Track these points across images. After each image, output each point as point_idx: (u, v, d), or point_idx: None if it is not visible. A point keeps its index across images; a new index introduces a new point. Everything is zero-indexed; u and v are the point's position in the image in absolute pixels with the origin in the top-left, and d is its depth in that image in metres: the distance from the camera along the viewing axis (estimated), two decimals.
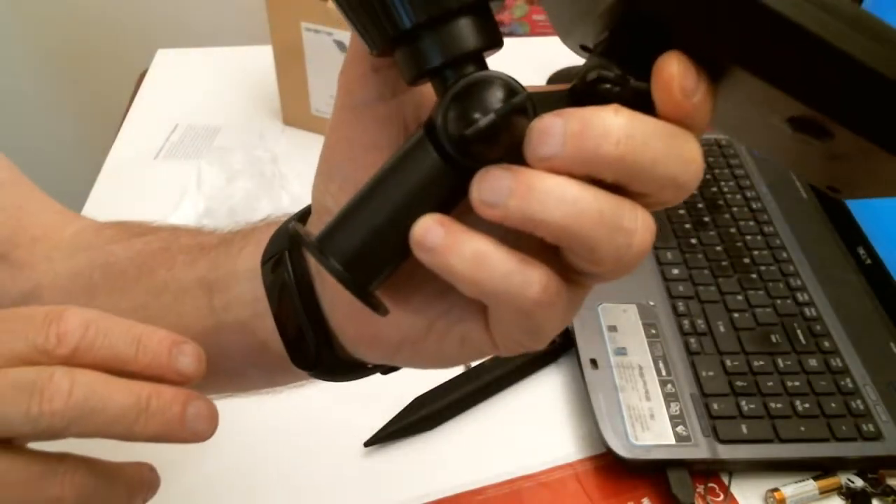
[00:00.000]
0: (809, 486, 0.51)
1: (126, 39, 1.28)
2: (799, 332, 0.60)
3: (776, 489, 0.51)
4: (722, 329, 0.59)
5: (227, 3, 1.29)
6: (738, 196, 0.73)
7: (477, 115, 0.21)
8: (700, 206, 0.71)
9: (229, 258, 0.33)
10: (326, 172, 0.28)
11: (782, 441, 0.52)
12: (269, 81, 0.83)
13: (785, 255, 0.66)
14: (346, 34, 0.72)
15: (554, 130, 0.20)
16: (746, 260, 0.66)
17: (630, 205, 0.21)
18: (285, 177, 0.75)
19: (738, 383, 0.55)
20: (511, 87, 0.21)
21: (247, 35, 1.01)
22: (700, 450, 0.51)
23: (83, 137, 1.39)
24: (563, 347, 0.60)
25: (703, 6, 0.20)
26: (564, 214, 0.20)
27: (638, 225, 0.21)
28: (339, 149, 0.27)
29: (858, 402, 0.55)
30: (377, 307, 0.24)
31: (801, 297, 0.63)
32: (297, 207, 0.31)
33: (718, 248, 0.67)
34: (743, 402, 0.54)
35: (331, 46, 0.75)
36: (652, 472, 0.52)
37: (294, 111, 0.83)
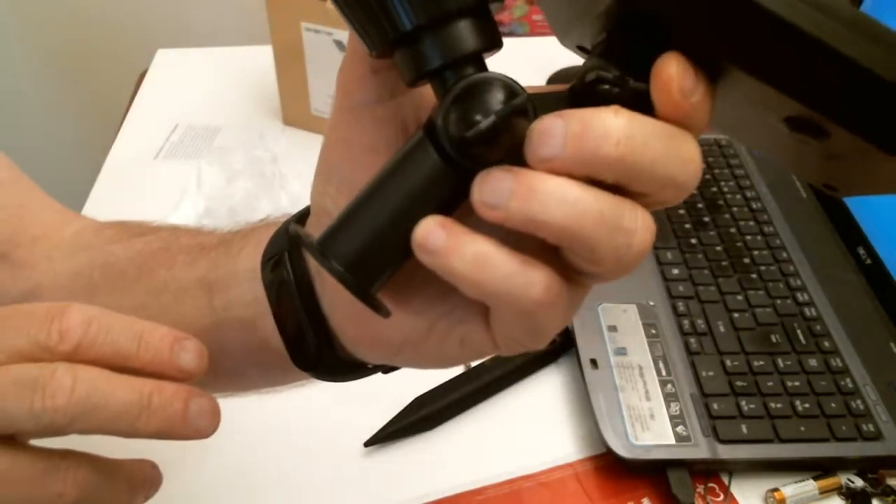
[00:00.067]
0: (809, 486, 0.51)
1: (126, 39, 1.28)
2: (799, 332, 0.60)
3: (776, 489, 0.51)
4: (722, 329, 0.59)
5: (227, 3, 1.29)
6: (738, 196, 0.73)
7: (478, 117, 0.21)
8: (700, 206, 0.71)
9: (229, 258, 0.33)
10: (325, 174, 0.28)
11: (782, 441, 0.52)
12: (269, 81, 0.83)
13: (785, 255, 0.66)
14: (346, 34, 0.72)
15: (554, 132, 0.20)
16: (746, 260, 0.66)
17: (630, 205, 0.21)
18: (285, 177, 0.75)
19: (738, 383, 0.55)
20: (511, 89, 0.21)
21: (247, 35, 1.01)
22: (700, 450, 0.51)
23: (83, 137, 1.39)
24: (563, 347, 0.60)
25: (701, 7, 0.20)
26: (565, 215, 0.20)
27: (638, 225, 0.21)
28: (338, 150, 0.27)
29: (858, 402, 0.55)
30: (379, 309, 0.24)
31: (801, 297, 0.63)
32: (296, 207, 0.31)
33: (718, 248, 0.67)
34: (743, 402, 0.54)
35: (331, 46, 0.75)
36: (652, 472, 0.52)
37: (294, 111, 0.83)
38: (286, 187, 0.74)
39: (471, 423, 0.56)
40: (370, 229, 0.23)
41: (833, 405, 0.54)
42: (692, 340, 0.59)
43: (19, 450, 0.25)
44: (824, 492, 0.51)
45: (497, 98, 0.21)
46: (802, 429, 0.53)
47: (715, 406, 0.54)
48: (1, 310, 0.26)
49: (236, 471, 0.52)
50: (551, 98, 0.22)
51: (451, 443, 0.55)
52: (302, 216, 0.31)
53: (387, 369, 0.33)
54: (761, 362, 0.57)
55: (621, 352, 0.57)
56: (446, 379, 0.56)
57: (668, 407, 0.54)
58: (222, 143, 0.82)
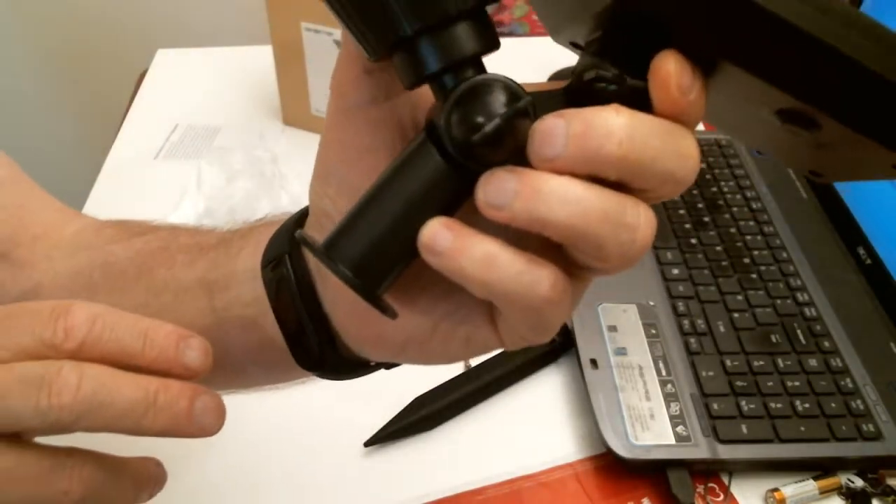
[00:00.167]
0: (809, 486, 0.51)
1: (126, 39, 1.28)
2: (799, 332, 0.60)
3: (776, 489, 0.51)
4: (722, 329, 0.60)
5: (227, 3, 1.29)
6: (738, 196, 0.73)
7: (481, 120, 0.21)
8: (700, 206, 0.71)
9: (228, 259, 0.33)
10: (323, 175, 0.28)
11: (782, 441, 0.52)
12: (269, 81, 0.83)
13: (785, 255, 0.67)
14: None
15: (557, 132, 0.20)
16: (746, 260, 0.66)
17: (632, 201, 0.21)
18: (285, 177, 0.75)
19: (738, 383, 0.55)
20: (512, 90, 0.21)
21: (247, 35, 1.02)
22: (700, 450, 0.51)
23: (83, 137, 1.39)
24: (563, 347, 0.60)
25: (702, 8, 0.20)
26: (570, 214, 0.21)
27: (640, 220, 0.21)
28: (334, 151, 0.27)
29: (858, 402, 0.55)
30: (386, 310, 0.24)
31: (801, 297, 0.63)
32: (296, 207, 0.31)
33: (718, 248, 0.67)
34: (743, 402, 0.54)
35: (331, 46, 0.75)
36: (652, 472, 0.52)
37: (294, 111, 0.83)
38: (286, 187, 0.74)
39: (471, 423, 0.56)
40: (375, 232, 0.23)
41: (833, 405, 0.54)
42: (692, 340, 0.59)
43: (25, 447, 0.25)
44: (824, 492, 0.52)
45: (499, 100, 0.21)
46: (802, 429, 0.53)
47: (715, 406, 0.54)
48: (5, 308, 0.26)
49: (239, 469, 0.52)
50: (548, 96, 0.22)
51: (451, 443, 0.55)
52: (301, 217, 0.31)
53: (389, 365, 0.33)
54: (761, 362, 0.57)
55: (621, 352, 0.57)
56: (446, 379, 0.56)
57: (668, 407, 0.54)
58: (222, 143, 0.82)
